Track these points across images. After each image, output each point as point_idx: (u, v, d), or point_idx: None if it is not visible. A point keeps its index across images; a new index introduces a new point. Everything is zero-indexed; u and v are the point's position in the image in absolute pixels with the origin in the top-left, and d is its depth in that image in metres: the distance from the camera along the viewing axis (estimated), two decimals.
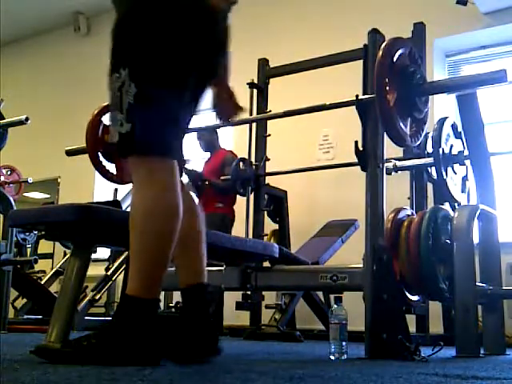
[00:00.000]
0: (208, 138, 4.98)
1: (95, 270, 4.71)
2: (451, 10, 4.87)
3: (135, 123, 1.57)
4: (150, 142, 1.59)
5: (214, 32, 1.65)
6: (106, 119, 2.64)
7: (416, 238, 2.51)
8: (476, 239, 2.66)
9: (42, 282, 4.89)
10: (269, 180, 4.42)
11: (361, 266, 2.37)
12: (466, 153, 3.17)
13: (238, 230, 4.48)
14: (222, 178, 4.58)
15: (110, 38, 1.63)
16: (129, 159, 1.62)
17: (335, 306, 2.12)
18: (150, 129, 1.58)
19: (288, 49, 5.37)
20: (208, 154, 5.11)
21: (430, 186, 3.94)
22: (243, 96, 4.43)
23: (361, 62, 2.55)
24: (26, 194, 6.88)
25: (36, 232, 5.25)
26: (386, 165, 2.44)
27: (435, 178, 3.42)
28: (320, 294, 4.44)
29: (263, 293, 3.92)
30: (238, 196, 4.51)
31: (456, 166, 3.25)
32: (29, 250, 5.73)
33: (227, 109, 1.86)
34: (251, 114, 4.21)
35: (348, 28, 5.27)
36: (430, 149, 3.47)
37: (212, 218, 4.72)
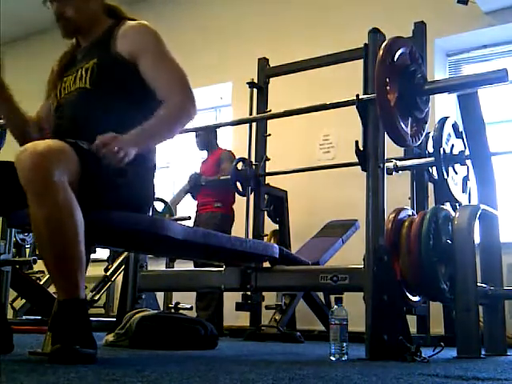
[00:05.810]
0: (205, 137, 4.96)
1: (94, 271, 4.70)
2: (452, 9, 4.85)
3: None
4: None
5: None
6: None
7: (417, 239, 2.50)
8: (477, 239, 2.65)
9: (41, 283, 4.87)
10: (269, 180, 4.41)
11: (361, 266, 2.36)
12: (467, 153, 3.16)
13: (238, 230, 4.47)
14: (221, 177, 4.57)
15: None
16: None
17: (336, 306, 2.11)
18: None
19: (288, 48, 5.36)
20: (204, 153, 5.10)
21: (430, 186, 3.93)
22: (243, 95, 4.47)
23: (361, 61, 2.54)
24: None
25: None
26: (386, 164, 2.43)
27: (436, 177, 3.41)
28: (320, 294, 4.43)
29: (263, 293, 3.91)
30: (238, 196, 4.49)
31: (457, 165, 3.25)
32: (28, 251, 5.70)
33: None
34: (251, 113, 4.20)
35: (348, 27, 5.26)
36: (430, 148, 3.46)
37: (211, 217, 4.72)
